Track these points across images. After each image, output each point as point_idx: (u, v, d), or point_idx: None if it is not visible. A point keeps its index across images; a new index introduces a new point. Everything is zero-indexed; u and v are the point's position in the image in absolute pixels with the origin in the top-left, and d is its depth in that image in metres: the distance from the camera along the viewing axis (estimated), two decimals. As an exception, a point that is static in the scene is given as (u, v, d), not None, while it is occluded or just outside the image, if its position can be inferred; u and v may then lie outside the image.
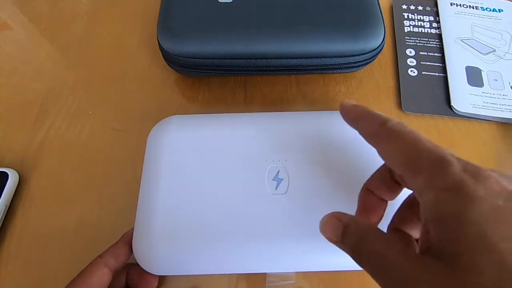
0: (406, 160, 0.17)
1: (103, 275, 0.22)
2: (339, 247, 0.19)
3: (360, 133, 0.21)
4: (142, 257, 0.24)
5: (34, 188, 0.31)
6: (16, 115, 0.34)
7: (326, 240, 0.23)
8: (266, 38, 0.31)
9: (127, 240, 0.25)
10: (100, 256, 0.24)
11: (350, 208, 0.24)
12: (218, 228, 0.24)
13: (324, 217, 0.20)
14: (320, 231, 0.20)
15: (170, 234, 0.24)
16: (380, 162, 0.25)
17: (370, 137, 0.20)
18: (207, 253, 0.23)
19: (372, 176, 0.22)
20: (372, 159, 0.26)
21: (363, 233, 0.17)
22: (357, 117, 0.21)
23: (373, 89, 0.36)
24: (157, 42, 0.32)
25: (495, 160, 0.32)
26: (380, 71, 0.37)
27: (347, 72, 0.35)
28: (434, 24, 0.40)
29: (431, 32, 0.39)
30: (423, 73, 0.37)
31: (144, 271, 0.24)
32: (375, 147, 0.20)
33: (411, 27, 0.40)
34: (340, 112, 0.23)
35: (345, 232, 0.18)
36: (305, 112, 0.30)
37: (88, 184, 0.31)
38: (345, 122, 0.28)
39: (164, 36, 0.31)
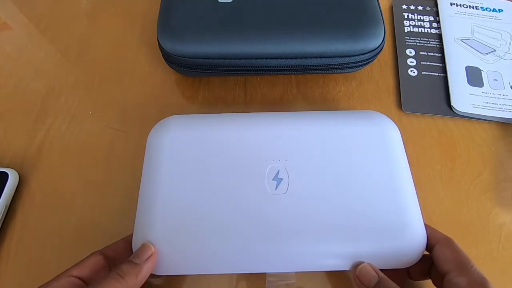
0: (458, 263, 0.22)
1: (97, 260, 0.23)
2: None
3: None
4: (142, 257, 0.24)
5: (34, 188, 0.31)
6: (16, 115, 0.34)
7: (326, 240, 0.24)
8: (266, 38, 0.31)
9: (127, 238, 0.25)
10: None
11: (348, 207, 0.24)
12: (218, 228, 0.24)
13: (362, 263, 0.23)
14: (356, 273, 0.23)
15: (169, 234, 0.24)
16: (379, 163, 0.24)
17: (431, 241, 0.24)
18: (206, 253, 0.23)
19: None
20: (371, 158, 0.26)
21: None
22: None
23: (373, 89, 0.36)
24: (157, 42, 0.32)
25: (495, 160, 0.32)
26: (380, 71, 0.37)
27: (347, 72, 0.35)
28: (434, 24, 0.40)
29: (431, 32, 0.39)
30: (423, 73, 0.37)
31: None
32: (433, 249, 0.24)
33: (411, 27, 0.40)
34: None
35: (378, 284, 0.22)
36: (305, 112, 0.30)
37: (88, 184, 0.31)
38: (344, 122, 0.28)
39: (164, 36, 0.31)
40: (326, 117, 0.29)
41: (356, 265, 0.23)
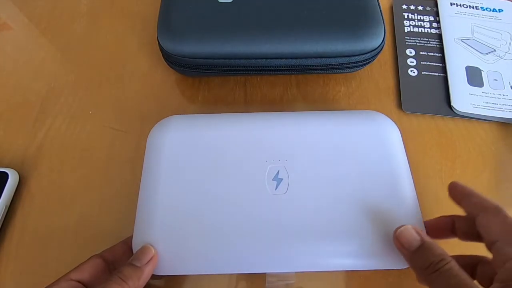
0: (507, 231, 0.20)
1: (96, 264, 0.23)
2: (406, 257, 0.21)
3: (465, 206, 0.23)
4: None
5: (34, 188, 0.31)
6: (16, 115, 0.34)
7: (326, 240, 0.24)
8: (266, 38, 0.31)
9: (126, 241, 0.25)
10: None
11: (348, 208, 0.24)
12: (218, 228, 0.24)
13: (403, 225, 0.22)
14: (395, 235, 0.22)
15: (169, 234, 0.24)
16: (378, 163, 0.24)
17: (476, 209, 0.22)
18: (206, 253, 0.23)
19: (462, 217, 0.24)
20: (371, 158, 0.26)
21: (438, 258, 0.20)
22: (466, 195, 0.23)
23: (373, 89, 0.36)
24: (157, 42, 0.32)
25: (495, 160, 0.32)
26: (380, 71, 0.37)
27: (347, 72, 0.35)
28: (434, 24, 0.40)
29: (431, 32, 0.39)
30: (423, 73, 0.37)
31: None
32: (477, 218, 0.22)
33: (411, 27, 0.40)
34: (449, 189, 0.24)
35: (421, 248, 0.20)
36: (305, 112, 0.30)
37: (88, 184, 0.31)
38: (344, 122, 0.28)
39: (164, 36, 0.31)
40: (326, 117, 0.29)
41: (398, 228, 0.22)
